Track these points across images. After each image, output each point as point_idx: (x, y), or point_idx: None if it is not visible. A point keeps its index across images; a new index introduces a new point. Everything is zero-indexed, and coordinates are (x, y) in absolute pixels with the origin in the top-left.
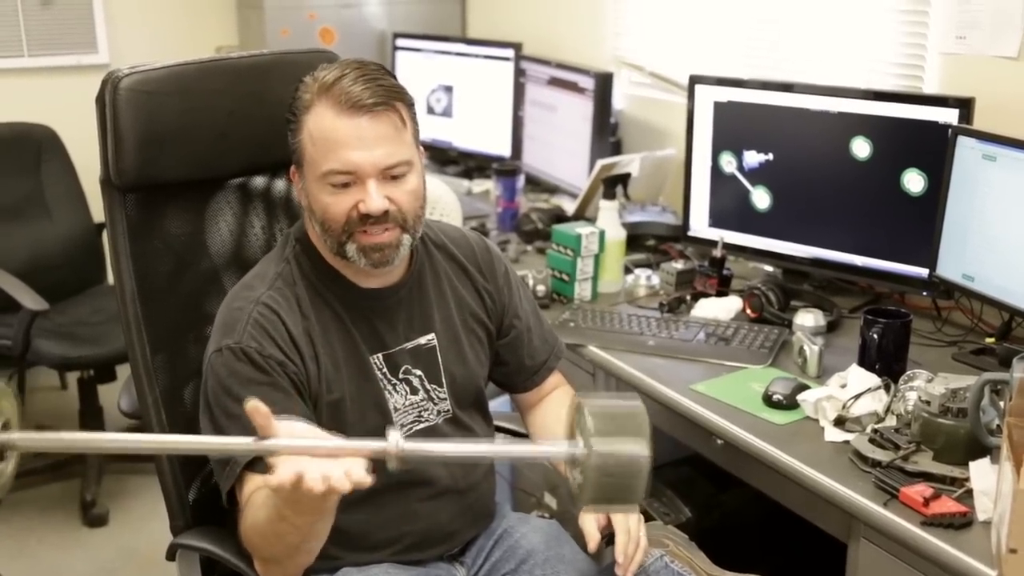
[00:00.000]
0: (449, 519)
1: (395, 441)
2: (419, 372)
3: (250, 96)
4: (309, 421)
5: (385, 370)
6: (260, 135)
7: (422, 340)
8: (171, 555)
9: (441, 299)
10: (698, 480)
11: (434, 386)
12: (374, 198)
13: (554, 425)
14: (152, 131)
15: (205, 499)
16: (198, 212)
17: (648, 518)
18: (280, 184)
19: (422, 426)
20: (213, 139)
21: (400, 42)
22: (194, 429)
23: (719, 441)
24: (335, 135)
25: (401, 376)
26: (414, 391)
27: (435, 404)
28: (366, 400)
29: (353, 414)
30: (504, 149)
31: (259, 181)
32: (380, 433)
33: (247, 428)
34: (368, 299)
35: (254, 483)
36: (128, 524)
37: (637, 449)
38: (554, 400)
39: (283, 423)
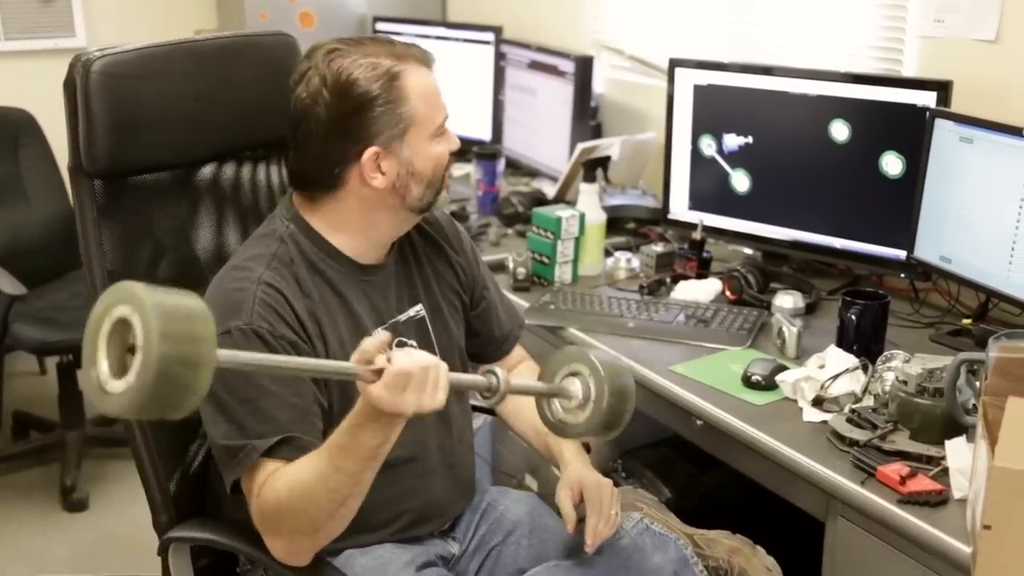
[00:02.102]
0: (442, 493)
1: (503, 377)
2: (413, 343)
3: (217, 79)
4: (320, 403)
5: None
6: (229, 118)
7: (411, 312)
8: (163, 550)
9: (422, 272)
10: (678, 461)
11: None
12: (455, 136)
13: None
14: (124, 115)
15: (187, 492)
16: (172, 198)
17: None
18: (254, 167)
19: None
20: (183, 123)
21: (380, 26)
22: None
23: (699, 422)
24: (435, 87)
25: (398, 345)
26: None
27: None
28: None
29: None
30: (484, 133)
31: (233, 165)
32: None
33: (260, 412)
34: (366, 275)
35: (268, 469)
36: (108, 509)
37: (632, 383)
38: (523, 372)
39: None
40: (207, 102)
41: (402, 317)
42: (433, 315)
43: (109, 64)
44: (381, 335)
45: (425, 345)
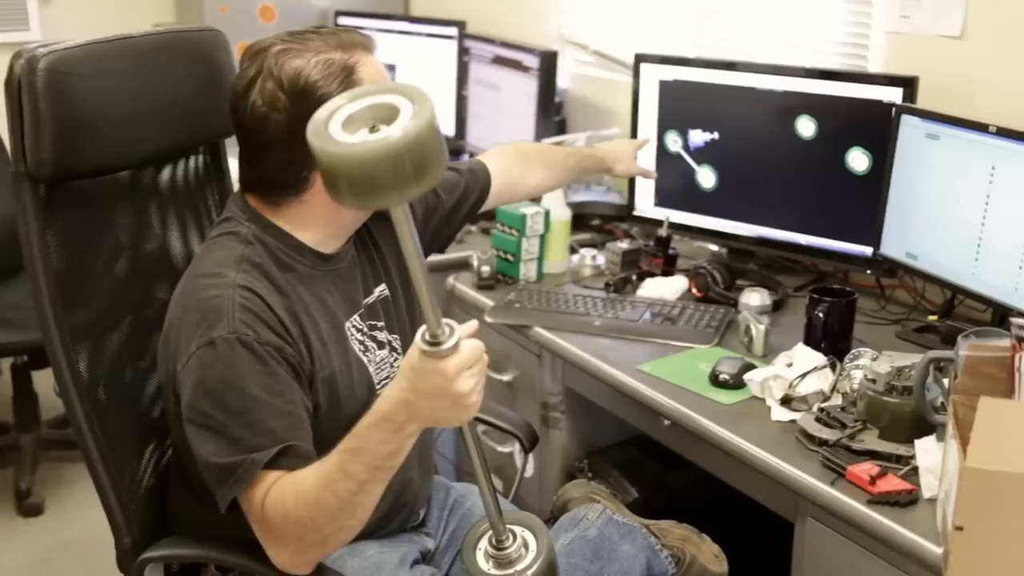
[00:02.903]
0: (414, 474)
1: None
2: (381, 323)
3: (153, 76)
4: (305, 408)
5: (360, 331)
6: (167, 117)
7: (377, 292)
8: (138, 572)
9: (379, 251)
10: (645, 460)
11: (395, 336)
12: None
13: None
14: (73, 116)
15: (147, 503)
16: (119, 200)
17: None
18: (197, 166)
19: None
20: (128, 123)
21: (342, 20)
22: (120, 421)
23: (666, 421)
24: (383, 72)
25: (369, 333)
26: (381, 346)
27: (397, 355)
28: (352, 368)
29: (344, 386)
30: (448, 128)
31: (179, 164)
32: (369, 401)
33: (255, 424)
34: (333, 264)
35: (269, 480)
36: (65, 514)
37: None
38: (496, 157)
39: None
40: (146, 100)
41: (370, 299)
42: (395, 292)
43: (56, 61)
44: (473, 323)
45: (391, 324)
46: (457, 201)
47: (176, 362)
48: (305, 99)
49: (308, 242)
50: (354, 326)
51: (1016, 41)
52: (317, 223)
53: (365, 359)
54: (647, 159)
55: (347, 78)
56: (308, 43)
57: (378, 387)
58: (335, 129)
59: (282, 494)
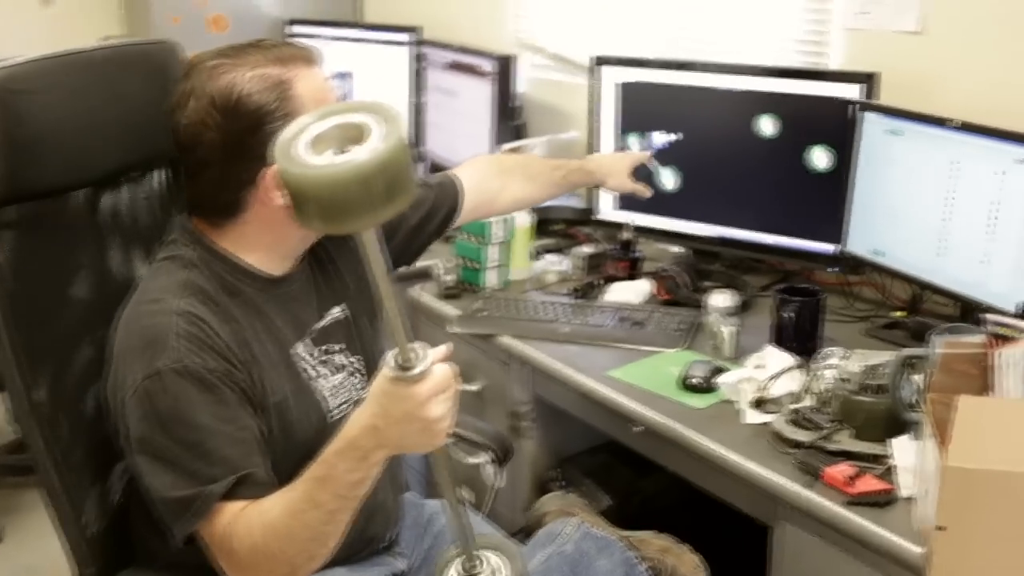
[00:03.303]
0: (385, 495)
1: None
2: (340, 346)
3: (106, 92)
4: (259, 432)
5: (311, 356)
6: (125, 132)
7: (335, 313)
8: None
9: (336, 271)
10: (617, 467)
11: (356, 358)
12: None
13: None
14: (24, 134)
15: (112, 533)
16: (78, 219)
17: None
18: (164, 181)
19: (352, 406)
20: (81, 139)
21: (295, 28)
22: (82, 448)
23: (637, 427)
24: (327, 87)
25: (324, 358)
26: (338, 369)
27: (355, 378)
28: (302, 394)
29: (296, 411)
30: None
31: (139, 181)
32: (323, 428)
33: (208, 455)
34: (282, 286)
35: (230, 511)
36: (25, 542)
37: None
38: (470, 170)
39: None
40: (101, 116)
41: (324, 322)
42: (355, 312)
43: (5, 79)
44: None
45: (352, 346)
46: (424, 216)
47: (122, 392)
48: (237, 116)
49: (255, 264)
50: (301, 352)
51: (975, 35)
52: (261, 245)
53: (316, 385)
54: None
55: (283, 93)
56: (244, 57)
57: (333, 412)
58: (303, 150)
59: (248, 526)
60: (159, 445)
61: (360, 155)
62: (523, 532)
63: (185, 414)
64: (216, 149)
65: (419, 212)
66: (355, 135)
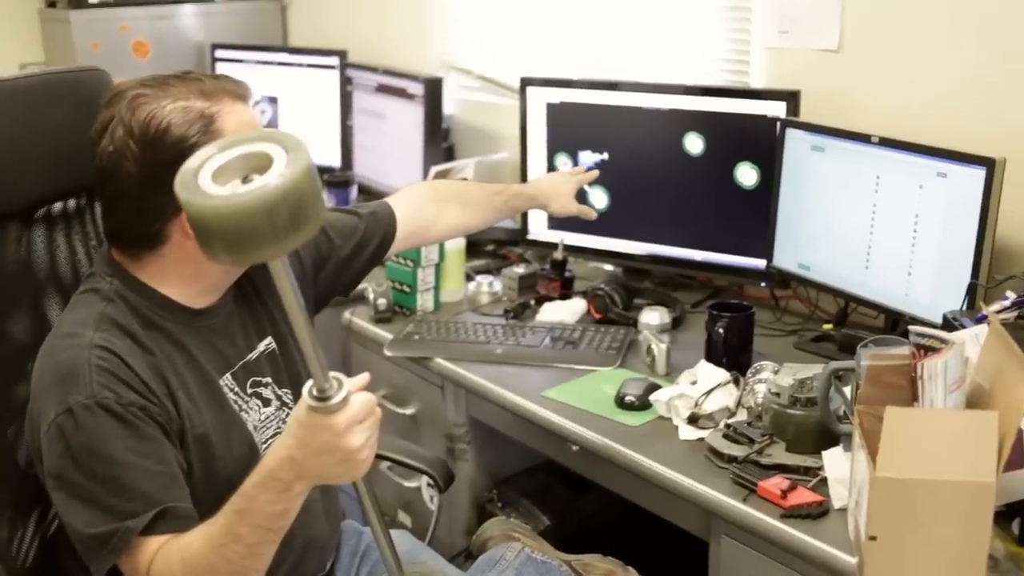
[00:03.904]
0: (320, 529)
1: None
2: (267, 379)
3: (33, 120)
4: (179, 465)
5: (237, 390)
6: (52, 161)
7: (261, 347)
8: None
9: (263, 302)
10: (554, 486)
11: (285, 390)
12: None
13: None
14: None
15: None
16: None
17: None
18: (80, 213)
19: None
20: (3, 169)
21: (220, 53)
22: (14, 485)
23: (574, 447)
24: (253, 123)
25: (251, 391)
26: (266, 403)
27: (288, 410)
28: (227, 428)
29: (219, 445)
30: (334, 159)
31: (70, 212)
32: (248, 461)
33: (126, 490)
34: (204, 319)
35: (151, 547)
36: None
37: None
38: (405, 198)
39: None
40: (25, 146)
41: (252, 355)
42: (283, 345)
43: None
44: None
45: (280, 378)
46: (355, 247)
47: (38, 429)
48: (156, 148)
49: (175, 297)
50: (228, 384)
51: (891, 53)
52: (182, 279)
53: (246, 418)
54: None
55: (206, 127)
56: (168, 89)
57: (263, 446)
58: (205, 181)
59: (168, 561)
60: (75, 481)
61: (262, 184)
62: (464, 555)
63: (99, 449)
64: (133, 180)
65: (351, 242)
66: (259, 165)
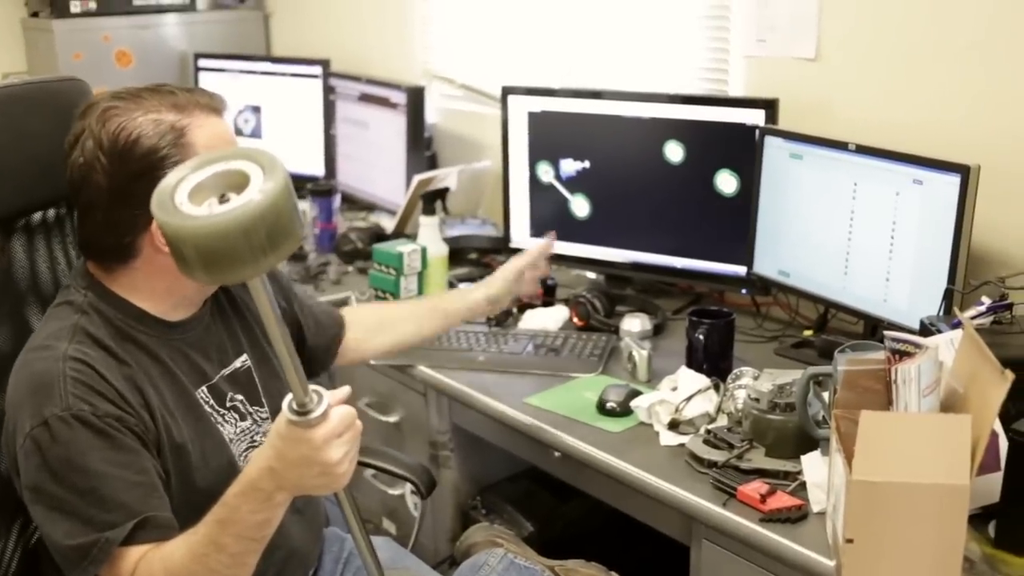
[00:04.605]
0: (300, 540)
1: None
2: (240, 397)
3: (11, 130)
4: (158, 474)
5: (212, 403)
6: (31, 172)
7: (237, 363)
8: None
9: (242, 319)
10: (538, 493)
11: (255, 408)
12: None
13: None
14: None
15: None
16: None
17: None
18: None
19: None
20: None
21: (202, 63)
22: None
23: (556, 453)
24: (227, 136)
25: (228, 405)
26: (242, 417)
27: (260, 426)
28: (204, 439)
29: (196, 456)
30: (317, 168)
31: (36, 220)
32: (226, 473)
33: (105, 501)
34: (179, 332)
35: (132, 558)
36: None
37: None
38: (357, 317)
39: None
40: (4, 156)
41: (227, 371)
42: (259, 363)
43: None
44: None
45: (252, 399)
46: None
47: (14, 443)
48: (125, 161)
49: (149, 309)
50: (204, 397)
51: (867, 61)
52: (155, 293)
53: (221, 429)
54: (519, 190)
55: (176, 141)
56: (140, 102)
57: (240, 458)
58: (181, 200)
59: (150, 571)
60: (53, 494)
61: (240, 204)
62: (448, 562)
63: (77, 461)
64: (102, 192)
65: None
66: (236, 183)
